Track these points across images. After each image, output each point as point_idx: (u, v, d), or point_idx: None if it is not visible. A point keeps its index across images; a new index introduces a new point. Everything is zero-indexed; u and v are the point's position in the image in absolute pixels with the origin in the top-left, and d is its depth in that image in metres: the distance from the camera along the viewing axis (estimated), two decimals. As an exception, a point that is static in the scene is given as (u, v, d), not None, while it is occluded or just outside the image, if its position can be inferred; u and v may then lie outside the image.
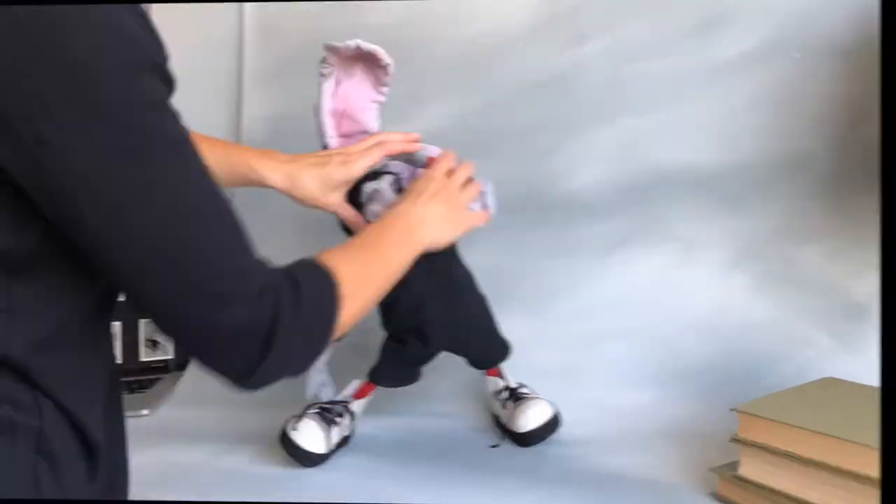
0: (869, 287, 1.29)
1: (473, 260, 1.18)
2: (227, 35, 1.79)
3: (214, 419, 1.36)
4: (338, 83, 1.16)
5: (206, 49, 1.81)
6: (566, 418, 1.11)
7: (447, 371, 1.19)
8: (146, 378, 1.63)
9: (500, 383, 1.20)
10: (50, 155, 0.60)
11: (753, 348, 1.31)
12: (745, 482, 0.92)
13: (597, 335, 1.38)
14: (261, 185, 1.10)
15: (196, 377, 1.57)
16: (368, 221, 1.08)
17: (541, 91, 1.48)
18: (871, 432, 0.82)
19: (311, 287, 0.77)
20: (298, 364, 0.79)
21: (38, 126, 0.60)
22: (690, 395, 1.28)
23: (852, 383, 1.04)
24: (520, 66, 1.49)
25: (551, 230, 1.43)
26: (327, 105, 1.15)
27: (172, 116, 0.67)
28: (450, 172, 1.08)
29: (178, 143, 0.68)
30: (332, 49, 1.12)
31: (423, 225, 1.00)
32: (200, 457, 1.17)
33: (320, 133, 1.15)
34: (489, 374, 1.22)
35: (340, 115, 1.17)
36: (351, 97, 1.16)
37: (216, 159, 1.06)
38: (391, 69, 1.15)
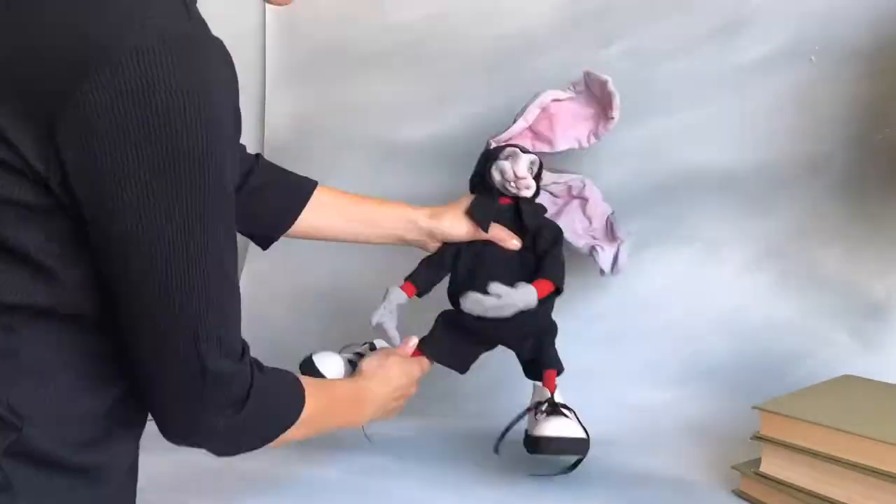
0: (888, 286, 1.30)
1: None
2: (250, 33, 1.80)
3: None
4: (571, 99, 1.23)
5: (229, 47, 1.82)
6: (589, 417, 1.10)
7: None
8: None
9: (547, 394, 1.12)
10: (121, 206, 0.67)
11: (775, 347, 1.32)
12: (766, 479, 0.93)
13: (620, 334, 1.39)
14: (442, 239, 1.19)
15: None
16: (490, 177, 1.14)
17: (564, 92, 1.49)
18: (892, 429, 0.84)
19: (283, 385, 0.88)
20: (234, 444, 0.85)
21: (122, 181, 0.66)
22: (712, 393, 1.29)
23: (872, 381, 1.05)
24: (545, 66, 1.49)
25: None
26: (549, 96, 1.21)
27: (232, 200, 0.74)
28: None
29: (233, 232, 0.76)
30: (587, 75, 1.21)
31: (373, 414, 1.07)
32: (220, 461, 1.18)
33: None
34: (545, 386, 1.13)
35: (546, 116, 1.23)
36: (568, 116, 1.22)
37: (366, 216, 1.20)
38: (612, 124, 1.20)
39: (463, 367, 1.18)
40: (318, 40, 1.71)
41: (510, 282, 1.08)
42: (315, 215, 1.17)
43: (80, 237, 0.70)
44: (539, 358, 1.14)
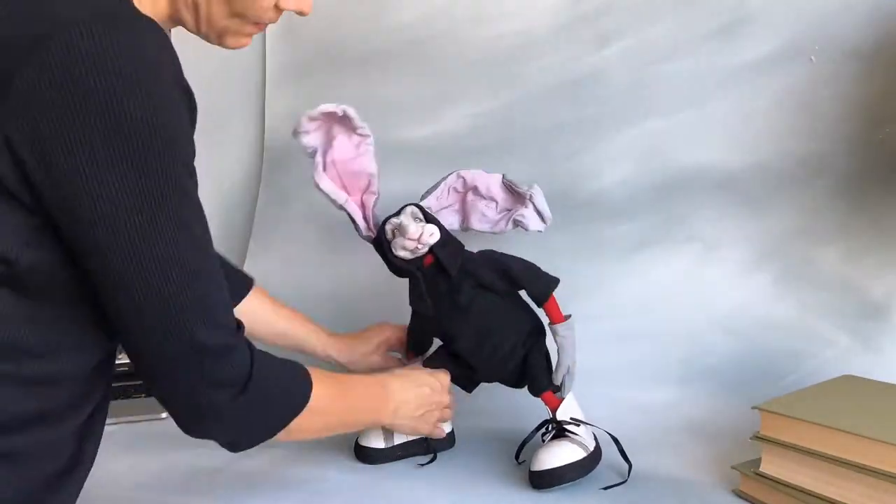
0: (888, 286, 1.30)
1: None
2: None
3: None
4: (323, 153, 1.15)
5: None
6: (589, 417, 1.10)
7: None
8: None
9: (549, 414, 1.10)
10: (84, 186, 0.68)
11: (774, 347, 1.32)
12: (766, 479, 0.93)
13: (620, 334, 1.39)
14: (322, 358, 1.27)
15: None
16: (398, 257, 1.10)
17: (564, 92, 1.49)
18: (892, 429, 0.84)
19: (286, 369, 0.87)
20: (246, 430, 0.85)
21: (78, 160, 0.67)
22: (712, 393, 1.29)
23: (872, 381, 1.05)
24: (543, 66, 1.49)
25: (575, 230, 1.44)
26: (327, 185, 1.14)
27: (193, 176, 0.76)
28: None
29: (198, 205, 0.76)
30: (311, 119, 1.13)
31: (397, 410, 1.07)
32: (219, 461, 1.18)
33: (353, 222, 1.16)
34: (547, 405, 1.11)
35: (341, 179, 1.17)
36: (338, 159, 1.16)
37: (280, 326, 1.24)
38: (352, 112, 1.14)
39: (468, 387, 1.20)
40: (318, 40, 1.71)
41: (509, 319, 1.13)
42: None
43: (35, 226, 0.71)
44: (532, 383, 1.13)
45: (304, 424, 0.88)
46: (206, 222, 0.77)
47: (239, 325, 0.81)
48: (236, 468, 1.15)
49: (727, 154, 1.40)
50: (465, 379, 1.19)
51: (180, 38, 1.96)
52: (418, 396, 1.10)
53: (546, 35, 1.51)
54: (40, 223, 0.71)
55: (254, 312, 1.18)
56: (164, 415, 1.41)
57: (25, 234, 0.71)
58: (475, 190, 1.17)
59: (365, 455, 1.16)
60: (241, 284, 1.20)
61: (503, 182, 1.16)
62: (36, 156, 0.67)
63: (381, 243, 1.12)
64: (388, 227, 1.11)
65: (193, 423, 0.81)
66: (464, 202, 1.19)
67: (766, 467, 0.94)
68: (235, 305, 1.17)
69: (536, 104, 1.51)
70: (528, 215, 1.13)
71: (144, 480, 1.13)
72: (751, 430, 0.96)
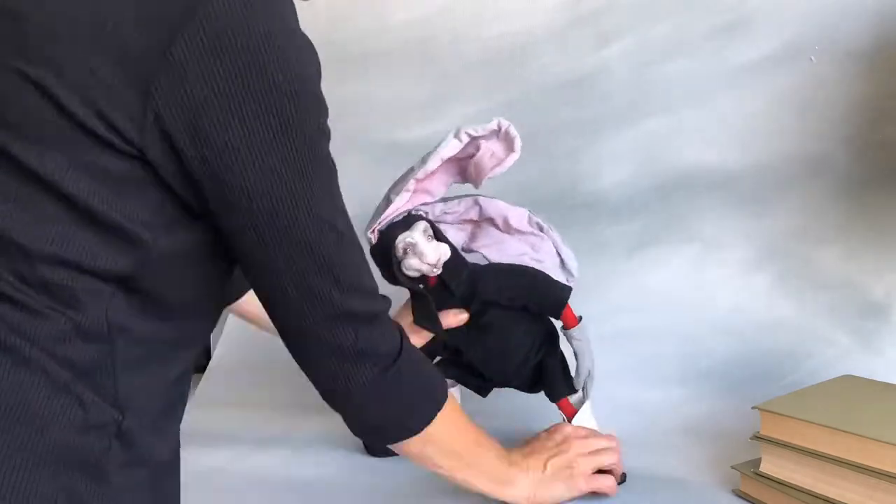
0: (888, 286, 1.30)
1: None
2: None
3: (236, 421, 1.37)
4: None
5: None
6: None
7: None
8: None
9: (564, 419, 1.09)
10: (236, 159, 0.67)
11: (774, 347, 1.32)
12: (766, 479, 0.93)
13: (619, 334, 1.39)
14: None
15: (216, 379, 1.58)
16: (407, 276, 1.02)
17: (564, 92, 1.49)
18: (892, 429, 0.84)
19: (427, 361, 0.86)
20: (392, 415, 0.82)
21: (231, 134, 0.66)
22: (712, 393, 1.29)
23: (872, 381, 1.05)
24: (543, 66, 1.50)
25: (575, 230, 1.44)
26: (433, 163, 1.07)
27: (329, 143, 0.76)
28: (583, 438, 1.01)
29: (334, 171, 0.76)
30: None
31: (517, 495, 0.93)
32: (220, 461, 1.18)
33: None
34: (565, 414, 1.10)
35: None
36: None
37: None
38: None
39: (482, 392, 1.18)
40: (318, 40, 1.71)
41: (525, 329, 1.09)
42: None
43: (174, 207, 0.70)
44: (549, 390, 1.10)
45: (440, 432, 0.85)
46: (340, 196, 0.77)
47: (385, 299, 0.80)
48: (236, 468, 1.16)
49: (727, 154, 1.40)
50: (479, 385, 1.17)
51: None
52: (548, 478, 0.95)
53: (546, 35, 1.51)
54: (179, 205, 0.70)
55: None
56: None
57: (165, 216, 0.70)
58: (491, 221, 1.10)
59: (373, 448, 1.17)
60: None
61: (529, 219, 1.10)
62: (189, 131, 0.66)
63: (387, 257, 1.04)
64: (400, 246, 1.00)
65: (340, 396, 0.80)
66: (477, 228, 1.13)
67: (766, 467, 0.94)
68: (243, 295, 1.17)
69: (536, 104, 1.51)
70: (548, 265, 1.09)
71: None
72: (751, 430, 0.96)
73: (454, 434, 0.89)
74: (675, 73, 1.42)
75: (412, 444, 0.85)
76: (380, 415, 0.82)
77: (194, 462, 1.18)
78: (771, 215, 1.38)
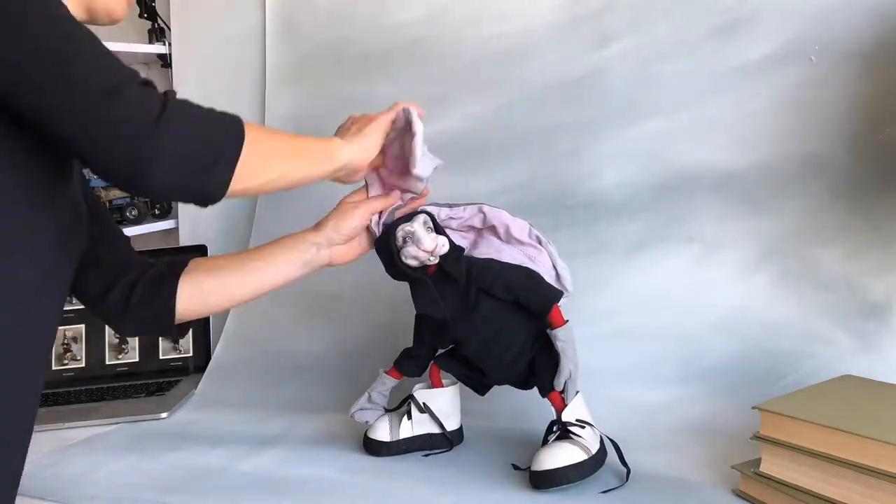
0: (887, 286, 1.30)
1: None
2: (250, 33, 1.80)
3: (236, 421, 1.37)
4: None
5: (229, 47, 1.82)
6: (590, 416, 1.11)
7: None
8: (164, 381, 1.65)
9: (555, 416, 1.10)
10: None
11: (774, 347, 1.32)
12: (766, 479, 0.93)
13: (619, 334, 1.39)
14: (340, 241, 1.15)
15: (216, 379, 1.59)
16: (407, 265, 1.08)
17: (564, 92, 1.49)
18: (892, 429, 0.84)
19: (207, 110, 0.83)
20: (189, 164, 0.78)
21: None
22: (712, 393, 1.29)
23: (871, 381, 1.05)
24: (543, 66, 1.50)
25: (575, 230, 1.44)
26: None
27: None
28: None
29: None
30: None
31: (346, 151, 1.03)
32: (220, 461, 1.18)
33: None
34: (555, 407, 1.10)
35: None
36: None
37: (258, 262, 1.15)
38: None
39: (480, 391, 1.20)
40: (318, 40, 1.72)
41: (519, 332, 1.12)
42: (209, 284, 1.11)
43: None
44: (540, 384, 1.12)
45: (258, 138, 0.85)
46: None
47: (147, 82, 0.79)
48: (236, 468, 1.16)
49: (727, 154, 1.40)
50: (477, 383, 1.19)
51: (181, 39, 1.96)
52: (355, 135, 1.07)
53: (546, 35, 1.51)
54: None
55: (220, 268, 1.13)
56: (164, 414, 1.42)
57: None
58: (493, 229, 1.15)
59: (372, 447, 1.18)
60: (176, 266, 1.12)
61: (530, 231, 1.14)
62: None
63: (388, 247, 1.10)
64: (399, 234, 1.08)
65: (133, 168, 0.76)
66: (478, 234, 1.18)
67: (766, 467, 0.94)
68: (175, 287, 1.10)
69: (536, 104, 1.51)
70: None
71: (144, 480, 1.13)
72: (751, 430, 0.96)
73: (272, 136, 0.93)
74: (675, 73, 1.42)
75: (245, 166, 0.82)
76: (175, 160, 0.77)
77: (194, 462, 1.18)
78: (771, 215, 1.38)
